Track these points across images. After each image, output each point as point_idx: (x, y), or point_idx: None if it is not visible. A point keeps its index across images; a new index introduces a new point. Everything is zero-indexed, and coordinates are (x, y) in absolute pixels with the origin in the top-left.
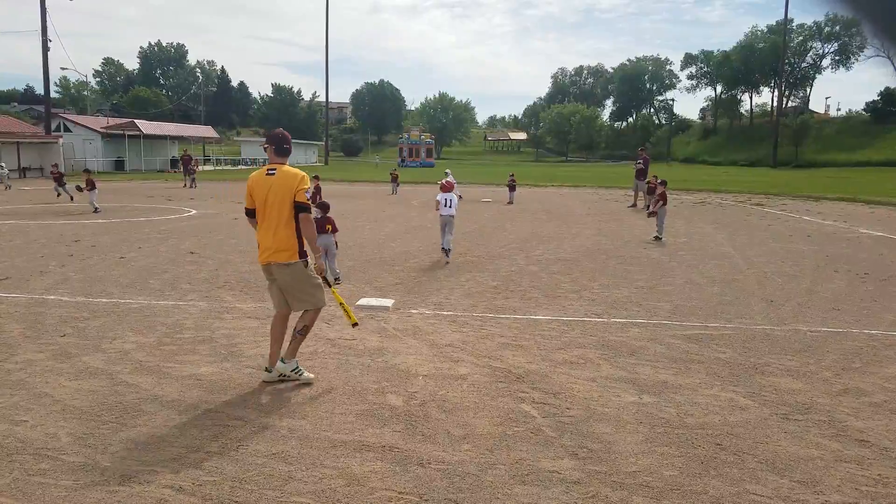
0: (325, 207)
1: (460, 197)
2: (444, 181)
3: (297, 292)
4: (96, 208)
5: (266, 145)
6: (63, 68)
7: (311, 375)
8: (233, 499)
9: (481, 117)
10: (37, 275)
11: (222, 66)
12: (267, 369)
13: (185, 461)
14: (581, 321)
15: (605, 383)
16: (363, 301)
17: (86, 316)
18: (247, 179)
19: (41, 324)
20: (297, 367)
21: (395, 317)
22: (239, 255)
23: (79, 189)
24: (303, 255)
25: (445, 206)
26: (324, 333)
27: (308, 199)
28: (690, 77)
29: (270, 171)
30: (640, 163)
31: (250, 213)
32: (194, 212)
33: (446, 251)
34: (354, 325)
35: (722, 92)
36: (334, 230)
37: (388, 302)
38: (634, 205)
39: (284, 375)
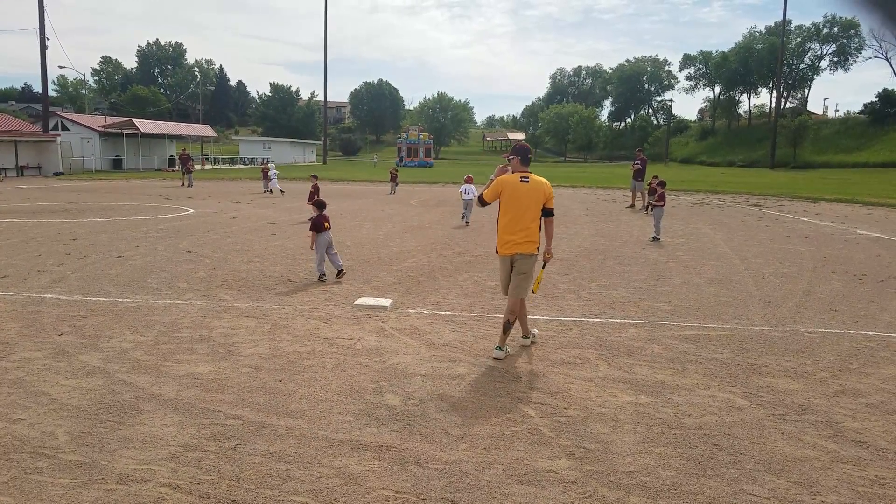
0: (321, 206)
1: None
2: (467, 175)
3: (523, 279)
4: None
5: (511, 156)
6: (61, 67)
7: (532, 340)
8: (230, 498)
9: (480, 117)
10: (34, 273)
11: (220, 65)
12: (498, 348)
13: (183, 460)
14: (579, 321)
15: (602, 383)
16: (361, 300)
17: (83, 314)
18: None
19: (39, 322)
20: (530, 336)
21: (393, 316)
22: (236, 254)
23: None
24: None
25: (466, 193)
26: (321, 333)
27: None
28: (689, 78)
29: (524, 179)
30: (637, 163)
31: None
32: (192, 210)
33: (467, 223)
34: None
35: (720, 93)
36: (329, 227)
37: (386, 301)
38: (632, 205)
39: (528, 344)
